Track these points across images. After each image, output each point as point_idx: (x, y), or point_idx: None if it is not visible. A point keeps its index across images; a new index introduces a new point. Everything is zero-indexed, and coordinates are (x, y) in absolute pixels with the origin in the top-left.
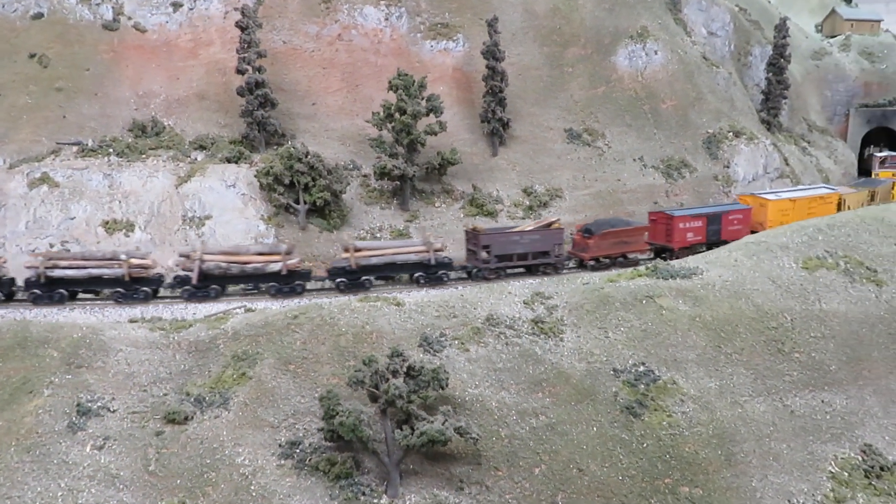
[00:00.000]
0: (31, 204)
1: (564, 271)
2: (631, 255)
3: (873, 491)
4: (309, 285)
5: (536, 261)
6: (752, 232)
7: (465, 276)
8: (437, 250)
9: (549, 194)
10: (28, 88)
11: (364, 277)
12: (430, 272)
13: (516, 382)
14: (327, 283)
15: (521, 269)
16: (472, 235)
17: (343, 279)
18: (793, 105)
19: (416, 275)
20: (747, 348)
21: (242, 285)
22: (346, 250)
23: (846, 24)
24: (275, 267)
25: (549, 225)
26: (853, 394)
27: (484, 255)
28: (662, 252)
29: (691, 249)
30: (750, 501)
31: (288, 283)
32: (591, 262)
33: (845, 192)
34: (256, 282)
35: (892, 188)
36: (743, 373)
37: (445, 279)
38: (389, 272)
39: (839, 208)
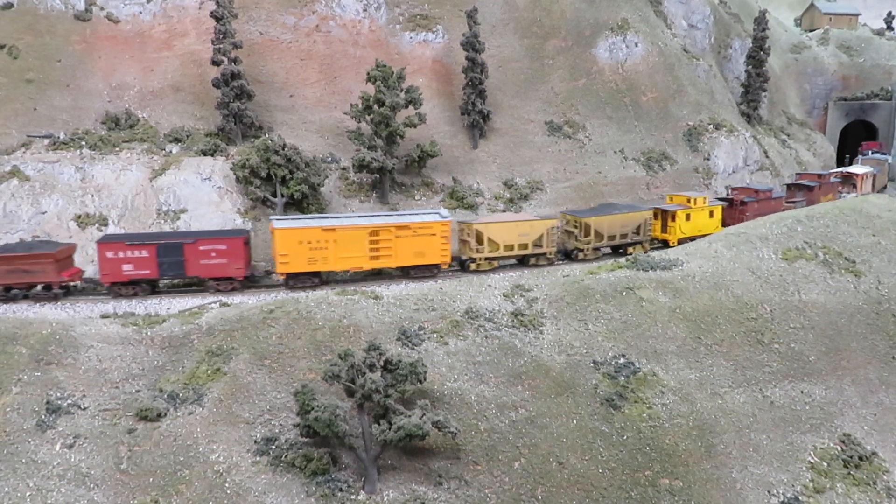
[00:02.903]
0: (0, 198)
1: None
2: (56, 287)
3: (852, 481)
4: None
5: None
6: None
7: None
8: None
9: (529, 187)
10: None
11: None
12: None
13: (496, 375)
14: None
15: None
16: None
17: None
18: (772, 98)
19: None
20: (727, 339)
21: None
22: None
23: (825, 18)
24: None
25: None
26: (832, 384)
27: None
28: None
29: (133, 285)
30: (730, 492)
31: None
32: None
33: (483, 221)
34: None
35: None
36: (723, 364)
37: None
38: None
39: (463, 247)
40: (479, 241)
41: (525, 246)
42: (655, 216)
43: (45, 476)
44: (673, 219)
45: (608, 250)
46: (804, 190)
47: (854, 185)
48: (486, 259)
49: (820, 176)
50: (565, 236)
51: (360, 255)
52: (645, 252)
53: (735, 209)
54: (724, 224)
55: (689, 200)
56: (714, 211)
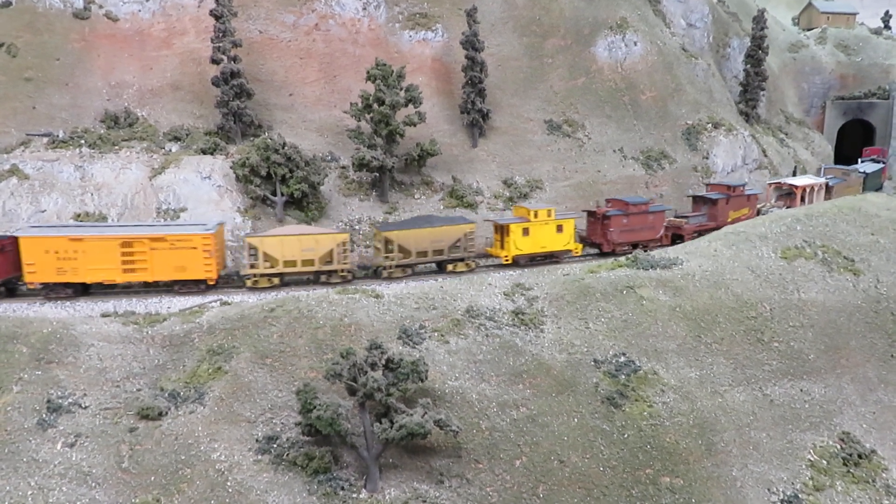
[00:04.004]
0: None
1: None
2: None
3: (852, 478)
4: None
5: None
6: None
7: None
8: None
9: (529, 185)
10: None
11: None
12: None
13: (497, 374)
14: None
15: None
16: None
17: None
18: (770, 97)
19: None
20: (727, 338)
21: None
22: None
23: (822, 17)
24: None
25: None
26: (831, 382)
27: None
28: None
29: None
30: (730, 490)
31: None
32: None
33: (261, 235)
34: None
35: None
36: (723, 362)
37: None
38: None
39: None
40: (254, 255)
41: (310, 262)
42: (496, 230)
43: (46, 475)
44: (507, 233)
45: (433, 266)
46: (708, 204)
47: (799, 199)
48: (265, 276)
49: (730, 188)
50: (376, 251)
51: (113, 267)
52: (470, 270)
53: (598, 223)
54: (584, 240)
55: (529, 213)
56: (563, 225)
